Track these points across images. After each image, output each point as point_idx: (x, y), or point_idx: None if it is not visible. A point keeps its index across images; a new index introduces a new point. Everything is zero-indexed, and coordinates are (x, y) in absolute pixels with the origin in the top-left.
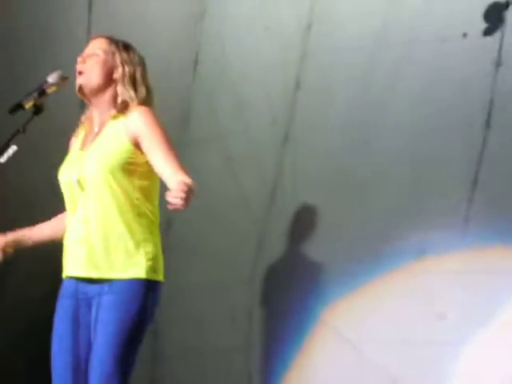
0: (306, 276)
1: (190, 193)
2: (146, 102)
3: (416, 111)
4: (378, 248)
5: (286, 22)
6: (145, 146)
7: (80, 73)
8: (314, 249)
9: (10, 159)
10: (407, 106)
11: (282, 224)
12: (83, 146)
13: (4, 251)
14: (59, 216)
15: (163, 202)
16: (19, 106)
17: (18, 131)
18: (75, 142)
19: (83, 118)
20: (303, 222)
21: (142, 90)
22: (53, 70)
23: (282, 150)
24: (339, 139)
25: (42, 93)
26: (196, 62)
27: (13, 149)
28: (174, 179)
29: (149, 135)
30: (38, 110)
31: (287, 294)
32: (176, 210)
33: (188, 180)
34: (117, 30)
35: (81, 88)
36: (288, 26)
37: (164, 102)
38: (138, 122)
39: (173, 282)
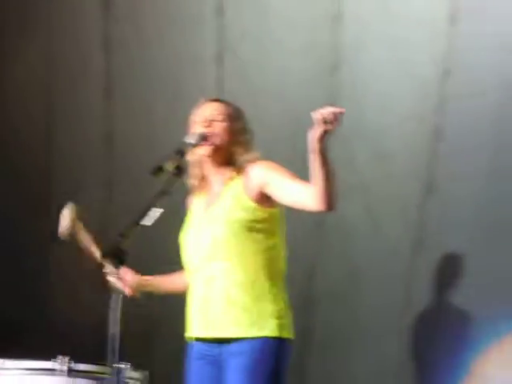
0: (455, 325)
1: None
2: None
3: None
4: None
5: (422, 67)
6: (272, 186)
7: (208, 136)
8: (461, 297)
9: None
10: None
11: (428, 273)
12: (205, 207)
13: (133, 290)
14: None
15: (302, 253)
16: (160, 169)
17: (162, 193)
18: (195, 204)
19: (193, 178)
20: (449, 270)
21: (255, 153)
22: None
23: (426, 200)
24: (485, 185)
25: (182, 154)
26: None
27: (158, 211)
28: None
29: (273, 174)
30: (179, 171)
31: (436, 344)
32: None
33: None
34: (248, 80)
35: (213, 150)
36: (425, 72)
37: None
38: (262, 172)
39: (318, 331)
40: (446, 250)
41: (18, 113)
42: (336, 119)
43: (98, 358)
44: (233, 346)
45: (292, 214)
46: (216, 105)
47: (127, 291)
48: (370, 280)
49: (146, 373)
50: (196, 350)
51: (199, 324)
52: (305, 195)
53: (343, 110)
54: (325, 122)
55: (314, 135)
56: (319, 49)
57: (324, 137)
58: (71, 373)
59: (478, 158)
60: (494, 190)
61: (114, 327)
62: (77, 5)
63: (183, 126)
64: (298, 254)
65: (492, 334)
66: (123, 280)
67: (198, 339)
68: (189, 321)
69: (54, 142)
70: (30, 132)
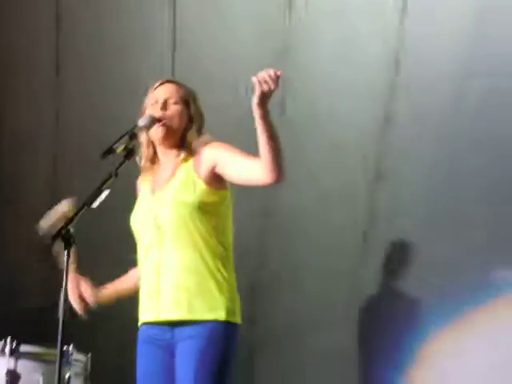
0: (404, 312)
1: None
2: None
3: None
4: (475, 281)
5: (372, 53)
6: (223, 165)
7: (161, 119)
8: (410, 285)
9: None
10: (498, 133)
11: (377, 261)
12: (154, 189)
13: (89, 302)
14: (130, 273)
15: (250, 242)
16: (110, 151)
17: (111, 176)
18: (144, 186)
19: (144, 160)
20: (398, 257)
21: (206, 136)
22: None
23: (375, 187)
24: (432, 170)
25: (133, 136)
26: (282, 101)
27: (105, 193)
28: (259, 161)
29: (223, 154)
30: (129, 153)
31: (384, 331)
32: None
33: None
34: (200, 67)
35: (166, 132)
36: (375, 58)
37: None
38: (212, 153)
39: (265, 320)
40: (394, 237)
41: None
42: (273, 80)
43: (42, 340)
44: (183, 330)
45: (240, 202)
46: (170, 86)
47: (90, 302)
48: (318, 268)
49: (88, 355)
50: (147, 334)
51: (150, 308)
52: (254, 169)
53: (279, 72)
54: (262, 82)
55: (253, 101)
56: (271, 36)
57: (263, 101)
58: (14, 354)
59: (425, 146)
60: (442, 173)
61: (60, 309)
62: None
63: (136, 106)
64: (245, 242)
65: (440, 321)
66: (81, 296)
67: (148, 323)
68: (140, 305)
69: (4, 117)
70: None
